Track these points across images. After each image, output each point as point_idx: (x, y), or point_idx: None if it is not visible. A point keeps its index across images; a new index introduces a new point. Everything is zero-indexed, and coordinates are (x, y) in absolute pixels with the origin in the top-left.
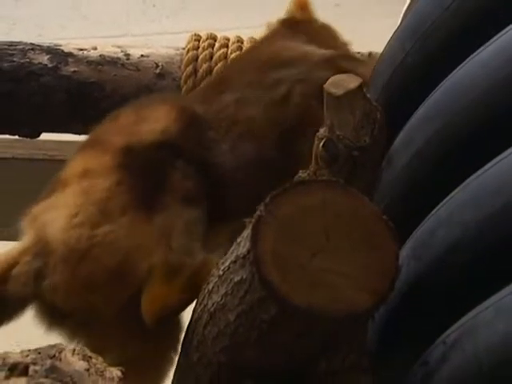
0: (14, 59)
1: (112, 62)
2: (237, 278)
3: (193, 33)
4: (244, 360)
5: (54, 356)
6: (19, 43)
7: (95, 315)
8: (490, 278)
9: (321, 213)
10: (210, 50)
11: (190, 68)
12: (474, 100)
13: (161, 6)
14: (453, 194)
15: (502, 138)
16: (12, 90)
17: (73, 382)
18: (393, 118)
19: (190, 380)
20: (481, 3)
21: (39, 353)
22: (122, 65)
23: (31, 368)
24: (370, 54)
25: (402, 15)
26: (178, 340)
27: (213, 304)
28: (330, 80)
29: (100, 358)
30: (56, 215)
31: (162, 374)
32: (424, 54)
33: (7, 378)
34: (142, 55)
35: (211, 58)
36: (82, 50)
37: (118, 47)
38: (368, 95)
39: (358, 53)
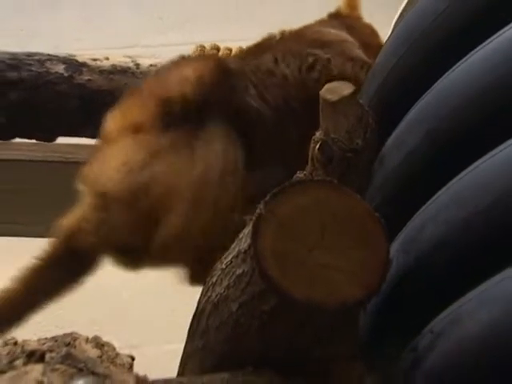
0: (33, 69)
1: (123, 71)
2: (239, 271)
3: (197, 44)
4: (245, 349)
5: (69, 344)
6: (37, 54)
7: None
8: (473, 271)
9: (317, 211)
10: None
11: None
12: (463, 102)
13: (167, 19)
14: (439, 193)
15: (492, 139)
16: (30, 97)
17: (86, 368)
18: (385, 121)
19: (195, 364)
20: (468, 12)
21: (56, 341)
22: (132, 74)
23: (47, 355)
24: None
25: (392, 24)
26: None
27: (216, 295)
28: (325, 87)
29: (112, 346)
30: (107, 167)
31: None
32: (416, 58)
33: (25, 364)
34: (150, 65)
35: None
36: (95, 60)
37: (129, 57)
38: (361, 101)
39: None
